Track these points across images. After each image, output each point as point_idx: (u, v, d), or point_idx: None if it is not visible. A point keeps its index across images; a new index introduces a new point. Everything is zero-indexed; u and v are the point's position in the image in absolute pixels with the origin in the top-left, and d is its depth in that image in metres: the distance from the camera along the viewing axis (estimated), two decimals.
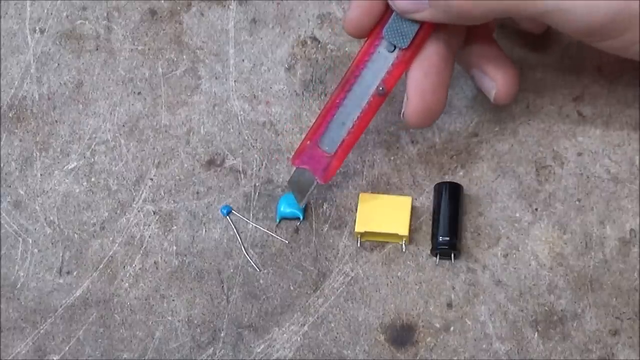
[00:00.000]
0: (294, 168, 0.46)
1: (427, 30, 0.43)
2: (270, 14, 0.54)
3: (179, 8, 0.54)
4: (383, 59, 0.44)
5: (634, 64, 0.44)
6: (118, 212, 0.49)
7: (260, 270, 0.47)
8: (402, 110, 0.45)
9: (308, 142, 0.46)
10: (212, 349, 0.46)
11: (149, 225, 0.49)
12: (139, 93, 0.52)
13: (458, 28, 0.44)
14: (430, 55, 0.44)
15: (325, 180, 0.46)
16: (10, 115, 0.52)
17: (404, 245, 0.47)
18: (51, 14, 0.55)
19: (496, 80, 0.45)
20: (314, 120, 0.46)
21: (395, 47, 0.44)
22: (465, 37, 0.46)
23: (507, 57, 0.46)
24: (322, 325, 0.46)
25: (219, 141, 0.51)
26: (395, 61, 0.44)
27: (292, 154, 0.46)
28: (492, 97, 0.46)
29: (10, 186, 0.50)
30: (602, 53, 0.43)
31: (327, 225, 0.48)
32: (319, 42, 0.53)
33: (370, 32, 0.44)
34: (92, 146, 0.51)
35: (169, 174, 0.50)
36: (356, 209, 0.47)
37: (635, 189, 0.47)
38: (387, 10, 0.44)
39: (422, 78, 0.44)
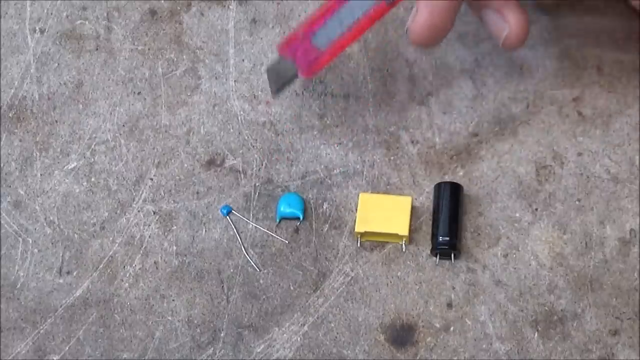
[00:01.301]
0: (277, 55, 0.44)
1: None
2: (270, 14, 0.54)
3: (179, 8, 0.54)
4: None
5: (634, 64, 0.44)
6: (118, 212, 0.49)
7: (260, 270, 0.47)
8: (407, 25, 0.43)
9: (301, 33, 0.43)
10: (212, 349, 0.46)
11: (149, 225, 0.49)
12: (139, 93, 0.52)
13: None
14: None
15: (308, 74, 0.43)
16: (10, 115, 0.52)
17: (404, 245, 0.47)
18: (51, 14, 0.55)
19: (509, 21, 0.44)
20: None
21: None
22: None
23: (517, 1, 0.44)
24: (322, 325, 0.46)
25: (219, 141, 0.51)
26: None
27: (280, 40, 0.43)
28: (502, 40, 0.44)
29: (10, 186, 0.50)
30: (602, 53, 0.43)
31: (327, 225, 0.48)
32: None
33: None
34: (92, 146, 0.51)
35: (169, 174, 0.50)
36: (356, 209, 0.47)
37: (635, 189, 0.47)
38: None
39: None
